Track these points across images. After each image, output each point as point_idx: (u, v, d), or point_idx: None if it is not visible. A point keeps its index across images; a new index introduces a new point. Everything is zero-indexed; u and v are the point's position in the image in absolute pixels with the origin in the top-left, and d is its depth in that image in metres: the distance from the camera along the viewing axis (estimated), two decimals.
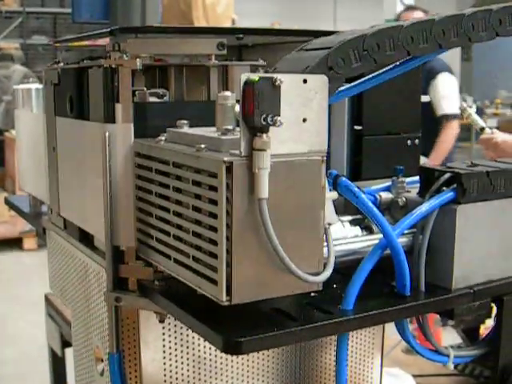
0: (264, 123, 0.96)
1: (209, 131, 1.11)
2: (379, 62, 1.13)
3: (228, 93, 1.08)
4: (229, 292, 1.00)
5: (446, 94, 4.13)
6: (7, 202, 2.13)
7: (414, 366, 3.19)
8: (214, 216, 1.00)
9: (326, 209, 1.07)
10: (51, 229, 1.68)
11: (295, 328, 1.05)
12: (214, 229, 1.01)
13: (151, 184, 1.19)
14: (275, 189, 1.00)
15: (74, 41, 1.56)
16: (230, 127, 1.06)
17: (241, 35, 1.39)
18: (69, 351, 2.71)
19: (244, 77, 0.96)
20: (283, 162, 1.01)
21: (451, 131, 4.15)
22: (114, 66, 1.25)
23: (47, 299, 2.84)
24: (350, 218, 1.36)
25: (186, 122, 1.19)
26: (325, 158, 1.05)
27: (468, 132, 12.71)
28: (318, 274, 1.06)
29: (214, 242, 1.00)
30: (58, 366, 2.91)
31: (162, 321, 1.27)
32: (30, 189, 1.90)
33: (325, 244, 1.10)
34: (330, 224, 1.12)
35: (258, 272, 1.01)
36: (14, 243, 6.90)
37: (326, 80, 1.03)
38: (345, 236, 1.26)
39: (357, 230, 1.30)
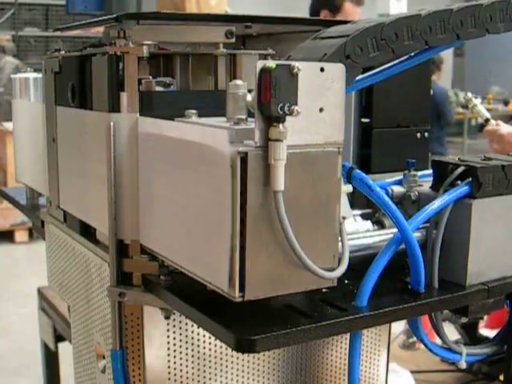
0: (281, 112, 0.92)
1: (220, 121, 1.07)
2: (397, 52, 1.10)
3: (239, 81, 1.03)
4: (242, 288, 0.96)
5: None
6: (2, 193, 2.09)
7: (411, 361, 3.17)
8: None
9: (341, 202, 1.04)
10: (50, 221, 1.63)
11: (310, 325, 1.01)
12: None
13: None
14: (290, 181, 0.96)
15: (76, 28, 1.52)
16: (242, 117, 1.02)
17: (249, 23, 1.35)
18: (62, 345, 2.68)
19: (260, 64, 0.92)
20: (299, 154, 0.97)
21: None
22: (119, 53, 1.21)
23: (40, 293, 2.81)
24: (359, 211, 1.33)
25: (194, 111, 1.15)
26: (341, 150, 1.01)
27: (460, 127, 12.73)
28: (333, 269, 1.02)
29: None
30: (51, 360, 2.88)
31: (167, 317, 1.23)
32: (28, 180, 1.85)
33: (339, 239, 1.06)
34: (344, 218, 1.09)
35: (272, 267, 0.97)
36: (5, 236, 6.85)
37: (343, 69, 0.99)
38: (357, 230, 1.23)
39: (368, 224, 1.27)
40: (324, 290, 1.14)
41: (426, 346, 1.24)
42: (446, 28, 1.13)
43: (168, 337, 1.28)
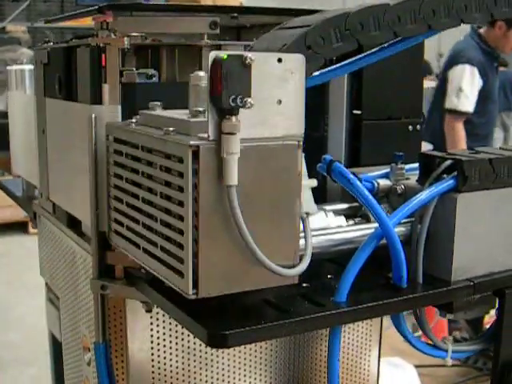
0: (233, 105, 0.89)
1: (181, 113, 1.05)
2: (363, 43, 1.07)
3: (202, 73, 1.02)
4: (195, 285, 0.93)
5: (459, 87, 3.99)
6: (0, 185, 2.09)
7: (415, 355, 3.14)
8: (181, 204, 0.94)
9: (303, 197, 1.00)
10: (41, 213, 1.63)
11: (284, 321, 0.99)
12: (181, 218, 0.94)
13: (123, 169, 1.13)
14: (246, 175, 0.93)
15: (65, 20, 1.51)
16: (201, 109, 1.00)
17: (235, 14, 1.33)
18: None
19: (212, 55, 0.90)
20: (255, 147, 0.94)
21: (451, 131, 4.02)
22: (101, 44, 1.20)
23: (48, 284, 2.81)
24: (345, 205, 1.31)
25: (158, 103, 1.13)
26: (301, 143, 0.98)
27: None
28: (293, 266, 0.99)
29: (182, 232, 0.94)
30: (58, 351, 2.88)
31: (148, 310, 1.22)
32: (23, 172, 1.85)
33: (302, 235, 1.03)
34: (308, 213, 1.06)
35: (227, 264, 0.95)
36: (19, 227, 6.88)
37: (302, 59, 0.96)
38: (327, 226, 1.20)
39: (341, 220, 1.24)
40: (305, 285, 1.13)
41: (409, 342, 1.23)
42: (416, 18, 1.09)
43: (152, 330, 1.27)
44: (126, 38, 1.18)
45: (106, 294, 1.24)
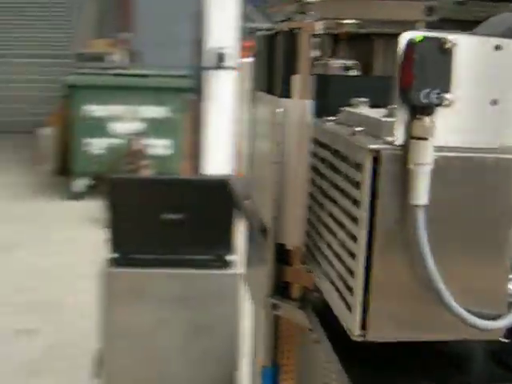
0: (425, 101, 0.70)
1: (381, 112, 0.87)
2: None
3: None
4: (364, 324, 0.75)
5: None
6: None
7: None
8: (356, 220, 0.76)
9: None
10: (249, 218, 1.52)
11: None
12: (354, 237, 0.77)
13: (314, 173, 0.98)
14: (440, 194, 0.73)
15: (270, 5, 1.38)
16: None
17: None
18: None
19: (405, 36, 0.71)
20: (455, 159, 0.74)
21: None
22: (293, 29, 1.05)
23: None
24: None
25: (363, 100, 0.95)
26: None
27: None
28: (498, 317, 0.76)
29: (353, 255, 0.77)
30: None
31: (317, 341, 1.05)
32: (244, 171, 1.77)
33: None
34: None
35: (405, 304, 0.75)
36: None
37: None
38: None
39: None
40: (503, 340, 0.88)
41: None
42: None
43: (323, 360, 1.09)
44: (318, 23, 1.02)
45: (279, 315, 1.09)
